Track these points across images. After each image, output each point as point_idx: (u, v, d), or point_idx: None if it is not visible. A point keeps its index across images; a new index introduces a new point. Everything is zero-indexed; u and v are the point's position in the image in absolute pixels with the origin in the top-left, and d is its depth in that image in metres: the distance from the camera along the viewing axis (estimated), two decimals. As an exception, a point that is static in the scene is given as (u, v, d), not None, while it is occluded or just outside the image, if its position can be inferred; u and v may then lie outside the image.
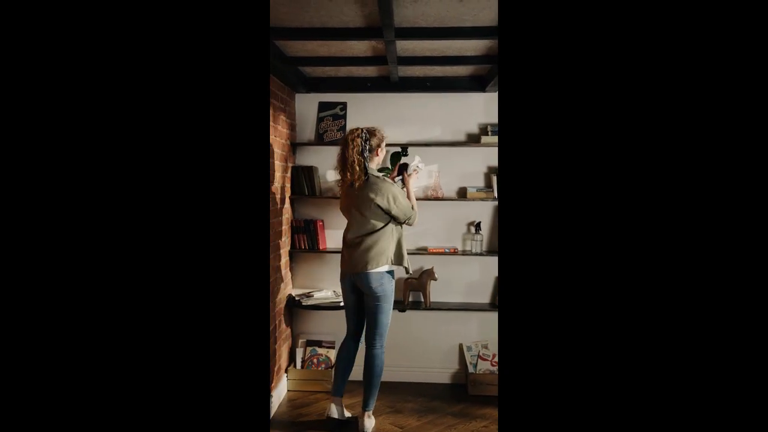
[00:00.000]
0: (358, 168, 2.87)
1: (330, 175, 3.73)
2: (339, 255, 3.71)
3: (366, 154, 2.89)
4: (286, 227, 3.55)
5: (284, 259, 3.54)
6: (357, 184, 2.89)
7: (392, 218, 2.91)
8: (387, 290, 2.90)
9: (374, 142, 2.93)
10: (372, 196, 2.84)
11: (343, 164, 2.92)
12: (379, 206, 2.85)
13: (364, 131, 2.91)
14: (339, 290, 3.68)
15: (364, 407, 2.99)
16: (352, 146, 2.88)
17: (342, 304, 3.50)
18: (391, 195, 2.86)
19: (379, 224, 2.89)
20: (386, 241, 2.89)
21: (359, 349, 3.08)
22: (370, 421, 3.00)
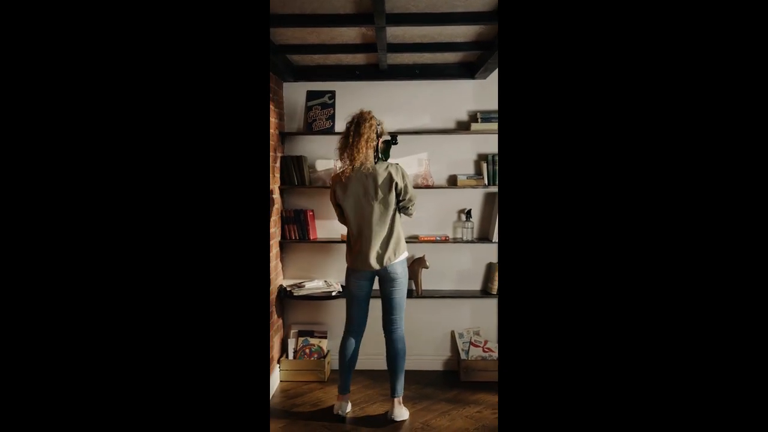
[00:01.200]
0: (372, 151, 2.79)
1: (320, 164, 3.70)
2: (330, 245, 3.70)
3: (378, 135, 2.85)
4: (275, 218, 3.53)
5: (275, 250, 3.52)
6: (366, 169, 2.76)
7: (398, 203, 2.88)
8: (406, 274, 2.95)
9: (381, 127, 2.90)
10: (394, 176, 2.80)
11: (352, 148, 2.76)
12: (396, 187, 2.80)
13: (374, 117, 2.86)
14: (330, 280, 3.67)
15: (394, 394, 2.95)
16: (369, 126, 2.76)
17: (334, 294, 3.50)
18: (407, 177, 2.88)
19: (391, 211, 2.85)
20: (399, 227, 2.91)
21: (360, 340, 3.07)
22: (402, 409, 2.97)
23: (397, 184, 2.81)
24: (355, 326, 3.00)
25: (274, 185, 3.48)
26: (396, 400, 2.97)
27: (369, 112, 2.86)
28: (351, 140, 2.79)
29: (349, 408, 3.06)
